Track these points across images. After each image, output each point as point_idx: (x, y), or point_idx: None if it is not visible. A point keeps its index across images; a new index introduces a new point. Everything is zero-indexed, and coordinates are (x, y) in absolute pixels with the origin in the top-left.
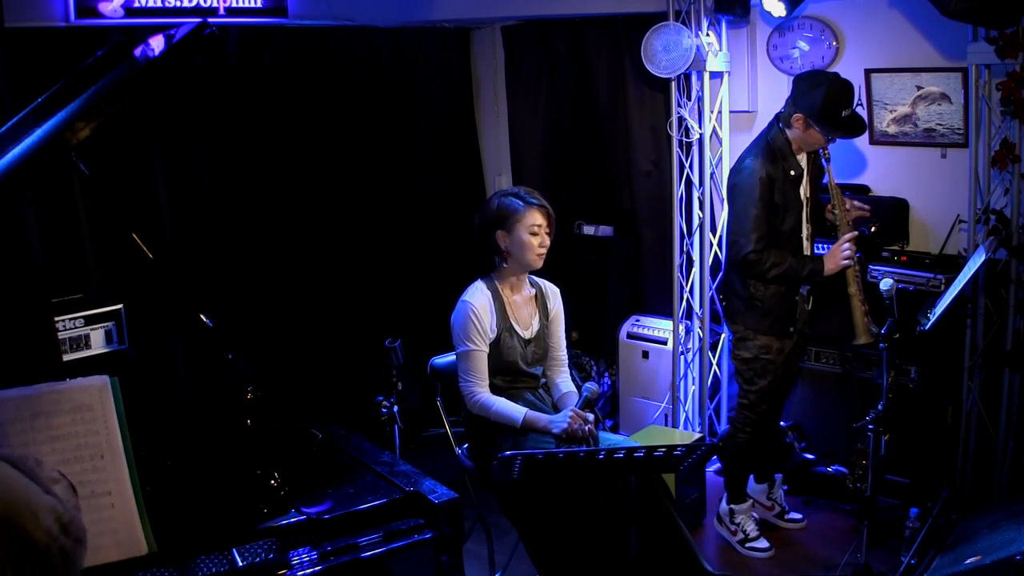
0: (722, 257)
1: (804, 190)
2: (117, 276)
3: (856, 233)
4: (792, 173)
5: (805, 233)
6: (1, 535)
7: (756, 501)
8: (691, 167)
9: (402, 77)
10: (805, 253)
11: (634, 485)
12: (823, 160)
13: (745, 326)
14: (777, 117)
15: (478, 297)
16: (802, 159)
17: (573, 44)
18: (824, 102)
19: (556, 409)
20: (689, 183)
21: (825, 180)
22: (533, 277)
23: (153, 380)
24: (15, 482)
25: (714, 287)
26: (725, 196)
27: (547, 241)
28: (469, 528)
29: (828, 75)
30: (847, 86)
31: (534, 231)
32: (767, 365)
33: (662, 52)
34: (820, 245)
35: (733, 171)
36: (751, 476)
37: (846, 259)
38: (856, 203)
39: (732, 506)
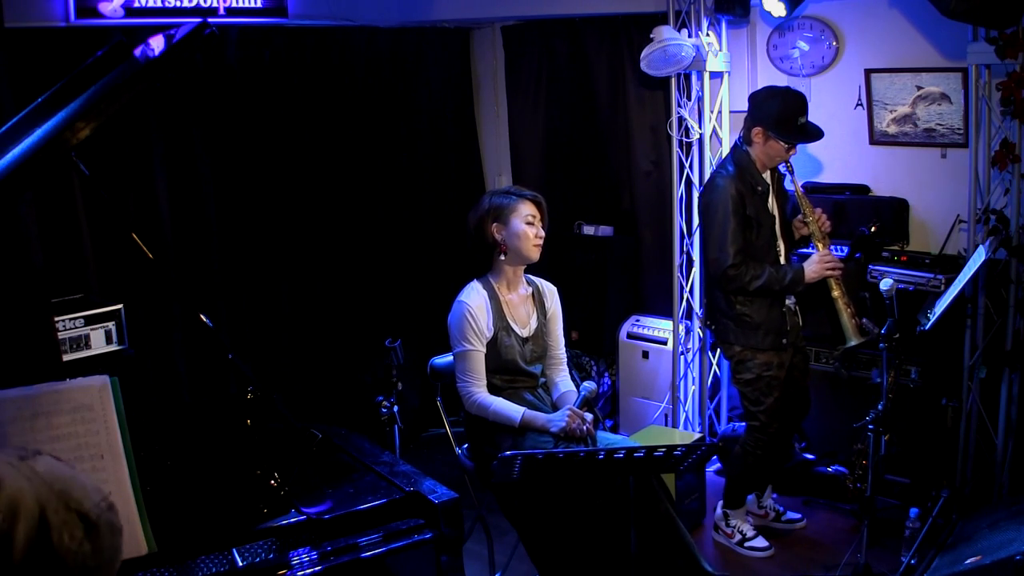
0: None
1: (772, 206)
2: (117, 276)
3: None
4: (759, 189)
5: (781, 248)
6: (57, 505)
7: (748, 511)
8: (691, 167)
9: (402, 77)
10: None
11: (633, 485)
12: (787, 172)
13: (742, 346)
14: (738, 139)
15: (474, 297)
16: (767, 176)
17: (573, 44)
18: (779, 111)
19: (555, 408)
20: (689, 183)
21: (791, 190)
22: (529, 276)
23: (153, 380)
24: (62, 465)
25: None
26: (698, 216)
27: (542, 232)
28: (469, 528)
29: (781, 88)
30: (800, 96)
31: (529, 220)
32: (771, 382)
33: (661, 60)
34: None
35: (704, 190)
36: None
37: (829, 271)
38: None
39: (727, 510)
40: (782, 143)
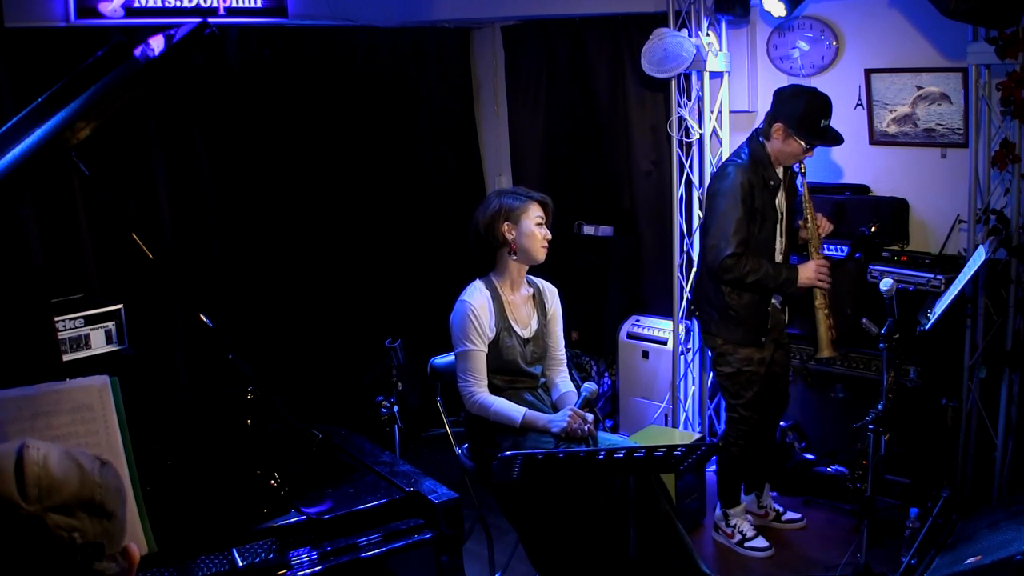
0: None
1: (780, 203)
2: (117, 276)
3: (827, 262)
4: (771, 183)
5: (779, 246)
6: (73, 451)
7: (748, 511)
8: (691, 167)
9: (402, 77)
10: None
11: (632, 486)
12: (799, 175)
13: (723, 339)
14: (756, 131)
15: (477, 297)
16: (779, 172)
17: (573, 44)
18: (804, 111)
19: (555, 409)
20: (689, 183)
21: (800, 192)
22: (530, 277)
23: (153, 380)
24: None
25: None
26: (705, 202)
27: (549, 234)
28: (469, 528)
29: (807, 88)
30: (826, 99)
31: (538, 221)
32: (751, 376)
33: (661, 60)
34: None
35: (714, 177)
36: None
37: (821, 281)
38: (825, 218)
39: (726, 510)
40: (801, 143)
